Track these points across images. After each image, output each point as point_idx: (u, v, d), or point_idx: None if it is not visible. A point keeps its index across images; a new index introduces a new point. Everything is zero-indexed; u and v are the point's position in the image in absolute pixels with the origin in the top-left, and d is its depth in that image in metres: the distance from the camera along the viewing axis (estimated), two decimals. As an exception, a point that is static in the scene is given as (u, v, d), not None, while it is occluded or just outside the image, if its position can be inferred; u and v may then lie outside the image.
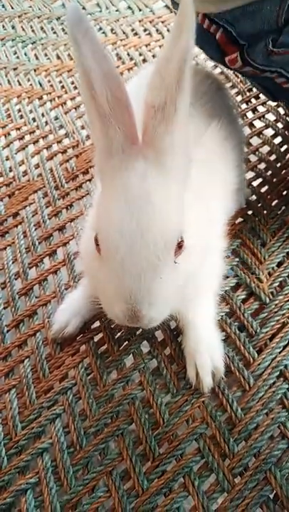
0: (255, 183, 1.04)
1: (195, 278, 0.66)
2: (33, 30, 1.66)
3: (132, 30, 1.58)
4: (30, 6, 1.77)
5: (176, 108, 0.55)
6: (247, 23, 0.75)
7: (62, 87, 1.41)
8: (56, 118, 1.31)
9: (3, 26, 1.69)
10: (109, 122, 0.57)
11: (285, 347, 0.78)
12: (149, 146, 0.58)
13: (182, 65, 0.53)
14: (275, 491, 0.65)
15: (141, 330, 0.82)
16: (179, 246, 0.59)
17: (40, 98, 1.38)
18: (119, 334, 0.83)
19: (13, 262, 0.99)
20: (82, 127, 1.27)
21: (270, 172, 1.06)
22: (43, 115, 1.33)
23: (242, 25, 0.76)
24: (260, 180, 1.05)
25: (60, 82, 1.43)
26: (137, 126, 0.58)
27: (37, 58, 1.54)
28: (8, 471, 0.71)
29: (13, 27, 1.69)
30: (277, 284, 0.85)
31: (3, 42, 1.62)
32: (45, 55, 1.55)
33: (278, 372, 0.75)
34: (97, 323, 0.85)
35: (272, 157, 1.09)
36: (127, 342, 0.82)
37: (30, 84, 1.44)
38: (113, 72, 0.56)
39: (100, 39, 0.57)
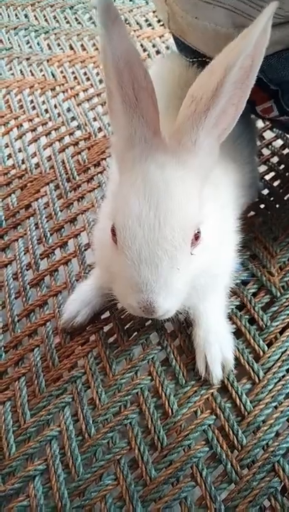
0: (267, 177, 1.03)
1: (209, 271, 0.66)
2: (46, 20, 1.66)
3: (146, 20, 1.57)
4: None
5: (210, 107, 0.55)
6: (284, 69, 0.72)
7: (75, 78, 1.41)
8: (68, 110, 1.31)
9: (16, 15, 1.70)
10: (134, 111, 0.57)
11: (295, 340, 0.77)
12: (175, 136, 0.58)
13: (232, 66, 0.52)
14: (283, 483, 0.65)
15: (150, 321, 0.82)
16: (196, 237, 0.59)
17: (53, 89, 1.38)
18: (128, 325, 0.83)
19: (24, 253, 1.00)
20: (94, 119, 1.27)
21: (282, 166, 1.05)
22: (55, 106, 1.33)
23: (276, 71, 0.72)
24: (272, 174, 1.04)
25: (73, 73, 1.43)
26: (159, 118, 0.59)
27: (50, 48, 1.54)
28: (17, 457, 0.71)
29: (26, 16, 1.69)
30: (288, 278, 0.85)
31: (16, 31, 1.62)
32: (58, 45, 1.55)
33: (288, 366, 0.74)
34: (106, 314, 0.85)
35: (286, 151, 1.08)
36: (136, 333, 0.82)
37: (43, 75, 1.44)
38: (140, 62, 0.56)
39: (126, 29, 0.57)
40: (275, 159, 1.07)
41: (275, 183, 1.02)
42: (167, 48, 1.43)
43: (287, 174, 1.03)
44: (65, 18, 1.65)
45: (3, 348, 0.85)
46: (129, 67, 0.55)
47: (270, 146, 1.09)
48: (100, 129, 1.24)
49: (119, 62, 0.55)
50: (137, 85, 0.56)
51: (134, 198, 0.57)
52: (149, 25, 1.55)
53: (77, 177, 1.13)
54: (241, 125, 0.83)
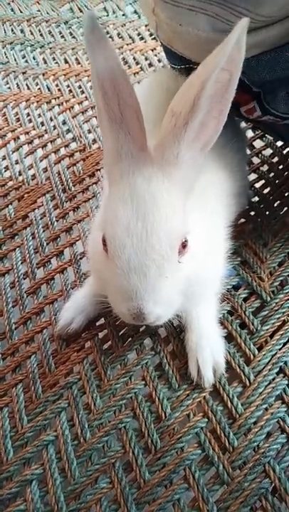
0: (257, 185, 1.06)
1: (198, 277, 0.68)
2: (41, 34, 1.70)
3: (138, 34, 1.61)
4: (39, 10, 1.81)
5: (188, 121, 0.57)
6: (264, 71, 0.75)
7: (70, 91, 1.44)
8: (64, 122, 1.34)
9: (12, 30, 1.74)
10: (120, 128, 0.60)
11: (285, 344, 0.79)
12: (158, 150, 0.61)
13: (207, 80, 0.54)
14: (273, 484, 0.66)
15: (144, 327, 0.84)
16: (183, 246, 0.62)
17: (49, 102, 1.42)
18: (123, 331, 0.85)
19: (21, 263, 1.02)
20: (89, 131, 1.30)
21: (272, 174, 1.07)
22: (51, 119, 1.36)
23: (257, 73, 0.75)
24: (262, 182, 1.06)
25: (68, 86, 1.46)
26: (145, 133, 0.61)
27: (45, 62, 1.58)
28: (14, 462, 0.73)
29: (21, 31, 1.73)
30: (278, 282, 0.87)
31: (12, 45, 1.66)
32: (54, 59, 1.59)
33: (278, 369, 0.76)
34: (102, 321, 0.87)
35: (275, 159, 1.10)
36: (130, 338, 0.84)
37: (39, 89, 1.48)
38: (126, 80, 0.58)
39: (113, 47, 0.59)
40: (264, 167, 1.09)
41: (265, 191, 1.04)
42: (159, 60, 1.46)
43: (276, 182, 1.05)
44: (60, 33, 1.69)
45: (0, 356, 0.87)
46: (114, 85, 0.57)
47: (259, 155, 1.11)
48: (94, 141, 1.27)
49: (104, 80, 0.57)
50: (123, 102, 0.58)
51: (123, 210, 0.59)
52: (142, 38, 1.59)
53: (72, 188, 1.16)
54: (230, 134, 0.86)
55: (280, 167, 1.09)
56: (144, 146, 0.61)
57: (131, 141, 0.60)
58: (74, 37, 1.65)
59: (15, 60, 1.61)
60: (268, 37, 0.70)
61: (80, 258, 0.99)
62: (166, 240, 0.59)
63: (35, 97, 1.44)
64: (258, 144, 1.15)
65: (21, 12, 1.82)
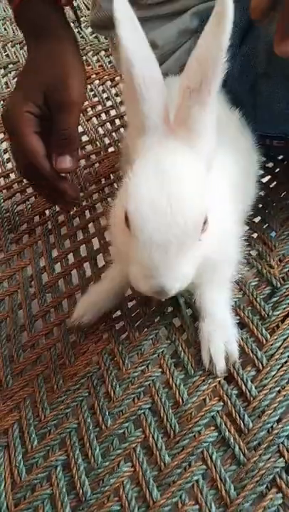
0: (264, 180, 1.07)
1: (214, 257, 0.69)
2: None
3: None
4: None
5: (210, 91, 0.59)
6: None
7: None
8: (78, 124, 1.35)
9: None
10: (145, 100, 0.61)
11: (296, 327, 0.81)
12: (181, 125, 0.62)
13: (219, 53, 0.57)
14: (287, 463, 0.69)
15: (159, 317, 0.87)
16: (204, 223, 0.62)
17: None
18: (139, 322, 0.88)
19: (40, 257, 1.06)
20: (105, 135, 1.32)
21: (278, 169, 1.09)
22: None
23: None
24: (268, 177, 1.08)
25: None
26: (168, 106, 0.63)
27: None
28: (39, 449, 0.77)
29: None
30: (287, 269, 0.89)
31: (21, 45, 1.65)
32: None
33: (290, 352, 0.79)
34: (118, 313, 0.90)
35: (280, 157, 1.12)
36: (146, 329, 0.87)
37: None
38: (150, 55, 0.61)
39: (139, 26, 0.62)
40: (270, 164, 1.11)
41: (272, 185, 1.07)
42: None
43: (282, 175, 1.08)
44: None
45: (21, 348, 0.91)
46: (141, 59, 0.60)
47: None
48: (110, 145, 1.29)
49: (133, 54, 0.59)
50: (148, 76, 0.60)
51: (146, 184, 0.59)
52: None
53: (89, 188, 1.19)
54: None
55: (285, 162, 1.10)
56: (167, 119, 0.63)
57: (155, 114, 0.62)
58: (82, 37, 1.65)
59: (25, 59, 1.61)
60: None
61: (96, 254, 1.02)
62: (191, 217, 0.58)
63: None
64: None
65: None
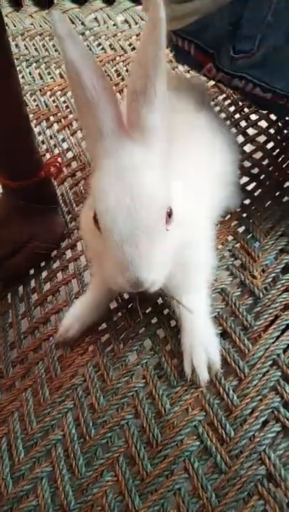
0: (249, 187, 1.10)
1: (186, 245, 0.72)
2: (35, 49, 1.75)
3: (130, 44, 1.66)
4: (32, 24, 1.87)
5: (156, 91, 0.62)
6: (208, 34, 0.88)
7: (67, 106, 1.49)
8: (63, 140, 1.39)
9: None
10: (98, 108, 0.65)
11: (277, 337, 0.82)
12: (134, 127, 0.65)
13: (158, 53, 0.60)
14: (269, 471, 0.69)
15: (144, 328, 0.89)
16: (169, 215, 0.66)
17: (48, 119, 1.47)
18: (123, 334, 0.89)
19: (31, 279, 1.08)
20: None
21: (263, 176, 1.11)
22: (51, 137, 1.41)
23: (204, 36, 0.90)
24: (254, 184, 1.10)
25: (65, 102, 1.51)
26: (121, 111, 0.66)
27: (41, 78, 1.62)
28: (26, 461, 0.78)
29: (16, 45, 1.78)
30: (270, 279, 0.90)
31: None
32: (49, 73, 1.63)
33: (271, 361, 0.79)
34: (104, 325, 0.92)
35: (265, 161, 1.14)
36: (130, 341, 0.88)
37: (37, 105, 1.52)
38: (97, 65, 0.65)
39: (80, 38, 0.66)
40: (255, 170, 1.13)
41: (256, 193, 1.08)
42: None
43: (267, 183, 1.09)
44: (54, 46, 1.73)
45: (11, 364, 0.92)
46: (89, 70, 0.63)
47: (250, 159, 1.15)
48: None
49: (79, 67, 0.63)
50: (98, 85, 0.63)
51: (110, 185, 0.63)
52: (133, 49, 1.63)
53: (76, 208, 1.21)
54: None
55: (270, 168, 1.12)
56: (122, 123, 0.66)
57: (110, 120, 0.65)
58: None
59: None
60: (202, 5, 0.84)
61: (83, 271, 1.04)
62: (153, 210, 0.62)
63: (34, 114, 1.48)
64: (249, 148, 1.19)
65: (15, 26, 1.87)
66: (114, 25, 1.78)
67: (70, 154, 1.35)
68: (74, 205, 1.21)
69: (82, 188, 1.24)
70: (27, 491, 0.75)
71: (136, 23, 1.76)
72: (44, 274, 1.08)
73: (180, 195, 0.69)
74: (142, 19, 1.75)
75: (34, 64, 1.69)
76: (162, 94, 0.64)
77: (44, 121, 1.47)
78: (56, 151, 1.36)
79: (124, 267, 0.62)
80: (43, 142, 1.40)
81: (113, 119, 0.65)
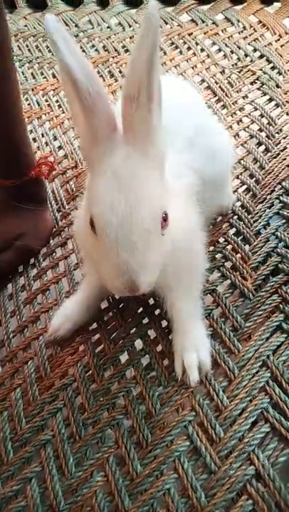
0: (240, 190, 1.11)
1: (179, 249, 0.72)
2: (29, 50, 1.75)
3: (123, 46, 1.66)
4: (26, 25, 1.87)
5: (150, 97, 0.62)
6: None
7: (60, 106, 1.49)
8: (55, 138, 1.39)
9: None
10: (93, 113, 0.64)
11: (267, 339, 0.83)
12: (128, 132, 0.65)
13: (152, 57, 0.59)
14: (257, 470, 0.70)
15: (135, 329, 0.89)
16: (164, 219, 0.66)
17: (39, 118, 1.46)
18: (114, 334, 0.90)
19: (19, 277, 1.07)
20: (80, 147, 1.34)
21: (254, 179, 1.12)
22: (42, 135, 1.40)
23: None
24: (244, 187, 1.11)
25: (57, 101, 1.50)
26: (115, 115, 0.66)
27: (34, 77, 1.62)
28: (15, 461, 0.77)
29: None
30: (260, 281, 0.91)
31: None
32: (42, 73, 1.63)
33: (261, 362, 0.80)
34: (94, 325, 0.92)
35: (257, 165, 1.15)
36: (121, 341, 0.88)
37: (29, 104, 1.52)
38: (91, 70, 0.63)
39: (75, 42, 0.64)
40: (246, 173, 1.14)
41: (248, 196, 1.09)
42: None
43: (258, 186, 1.10)
44: (47, 47, 1.73)
45: (0, 363, 0.92)
46: (83, 75, 0.62)
47: (242, 162, 1.16)
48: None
49: (75, 73, 0.61)
50: (92, 90, 0.62)
51: (105, 189, 0.63)
52: (127, 51, 1.64)
53: (66, 206, 1.21)
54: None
55: (261, 172, 1.13)
56: (116, 127, 0.66)
57: (105, 124, 0.64)
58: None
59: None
60: None
61: (74, 269, 1.04)
62: (149, 215, 0.62)
63: (25, 112, 1.47)
64: (241, 150, 1.20)
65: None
66: (107, 27, 1.78)
67: (61, 152, 1.35)
68: (65, 202, 1.21)
69: (73, 186, 1.24)
70: (16, 491, 0.75)
71: (129, 26, 1.76)
72: (34, 271, 1.07)
73: (174, 199, 0.69)
74: (136, 22, 1.76)
75: (27, 64, 1.69)
76: (157, 99, 0.63)
77: (36, 119, 1.46)
78: (48, 150, 1.36)
79: (120, 271, 0.62)
80: (34, 140, 1.39)
81: (108, 124, 0.65)
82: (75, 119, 0.68)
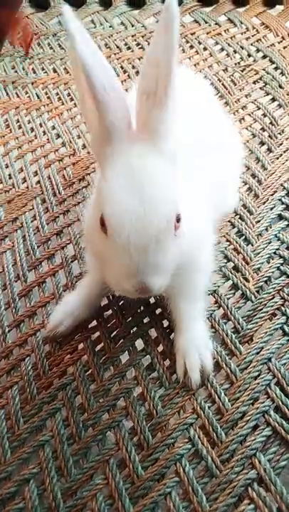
0: (242, 190, 1.10)
1: (190, 250, 0.70)
2: (31, 47, 1.71)
3: (126, 44, 1.63)
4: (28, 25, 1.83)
5: (166, 94, 0.61)
6: None
7: (59, 98, 1.46)
8: (53, 128, 1.36)
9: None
10: (108, 109, 0.62)
11: (268, 341, 0.83)
12: (143, 128, 0.64)
13: (170, 56, 0.58)
14: (259, 475, 0.70)
15: (136, 328, 0.88)
16: (177, 220, 0.64)
17: (38, 109, 1.43)
18: (115, 333, 0.88)
19: (12, 265, 1.04)
20: (78, 137, 1.32)
21: (256, 179, 1.11)
22: (40, 125, 1.38)
23: None
24: (246, 186, 1.10)
25: (57, 94, 1.48)
26: (130, 112, 0.64)
27: (34, 72, 1.59)
28: (12, 462, 0.76)
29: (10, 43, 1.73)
30: (262, 283, 0.91)
31: (1, 57, 1.67)
32: (42, 69, 1.60)
33: (263, 365, 0.80)
34: (94, 323, 0.90)
35: (259, 164, 1.14)
36: (122, 340, 0.87)
37: (28, 97, 1.49)
38: (107, 65, 0.62)
39: (90, 36, 0.62)
40: (249, 173, 1.13)
41: (250, 196, 1.08)
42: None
43: (260, 186, 1.09)
44: (49, 45, 1.71)
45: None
46: (99, 71, 0.60)
47: (244, 160, 1.15)
48: (84, 146, 1.29)
49: (91, 67, 0.60)
50: (108, 86, 0.61)
51: (119, 189, 0.61)
52: (129, 48, 1.62)
53: (62, 191, 1.18)
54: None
55: (264, 172, 1.12)
56: (131, 124, 0.64)
57: (120, 121, 0.63)
58: (62, 48, 1.67)
59: (4, 70, 1.62)
60: None
61: (72, 261, 1.02)
62: (164, 216, 0.61)
63: (24, 104, 1.46)
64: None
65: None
66: (110, 26, 1.74)
67: (59, 141, 1.33)
68: (61, 188, 1.19)
69: (70, 172, 1.22)
70: (13, 493, 0.73)
71: (132, 25, 1.72)
72: (27, 262, 1.04)
73: (186, 201, 0.68)
74: (138, 22, 1.73)
75: (28, 60, 1.65)
76: (173, 96, 0.62)
77: (34, 110, 1.44)
78: (45, 138, 1.33)
79: (131, 273, 0.61)
80: (32, 130, 1.37)
81: (122, 121, 0.63)
82: (86, 116, 0.66)
